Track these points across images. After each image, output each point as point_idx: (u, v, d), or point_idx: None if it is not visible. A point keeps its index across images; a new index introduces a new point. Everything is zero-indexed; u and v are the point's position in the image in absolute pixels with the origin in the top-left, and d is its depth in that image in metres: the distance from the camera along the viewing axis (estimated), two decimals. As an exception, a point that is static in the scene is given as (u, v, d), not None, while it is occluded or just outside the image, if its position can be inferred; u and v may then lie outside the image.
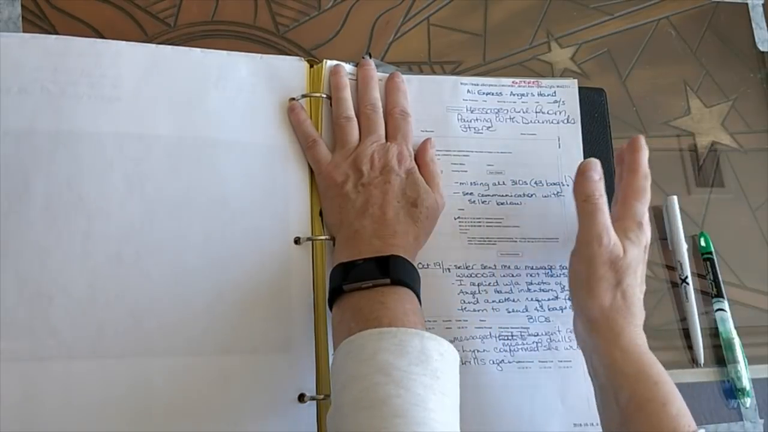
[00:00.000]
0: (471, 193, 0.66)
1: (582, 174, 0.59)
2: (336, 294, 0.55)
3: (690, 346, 0.69)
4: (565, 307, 0.65)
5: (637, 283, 0.58)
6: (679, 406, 0.53)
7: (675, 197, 0.71)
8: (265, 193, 0.61)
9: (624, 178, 0.61)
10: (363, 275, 0.54)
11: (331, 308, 0.56)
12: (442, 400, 0.48)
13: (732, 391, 0.68)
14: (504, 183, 0.67)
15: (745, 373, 0.68)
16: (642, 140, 0.61)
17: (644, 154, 0.61)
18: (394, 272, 0.54)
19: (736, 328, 0.69)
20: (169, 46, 0.63)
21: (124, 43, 0.62)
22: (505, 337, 0.63)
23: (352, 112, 0.64)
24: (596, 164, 0.59)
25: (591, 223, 0.57)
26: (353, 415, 0.46)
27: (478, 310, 0.63)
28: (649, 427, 0.52)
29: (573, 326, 0.60)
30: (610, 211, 0.59)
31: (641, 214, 0.59)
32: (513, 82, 0.70)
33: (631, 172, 0.60)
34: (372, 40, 0.71)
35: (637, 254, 0.58)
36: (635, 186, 0.60)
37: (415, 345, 0.49)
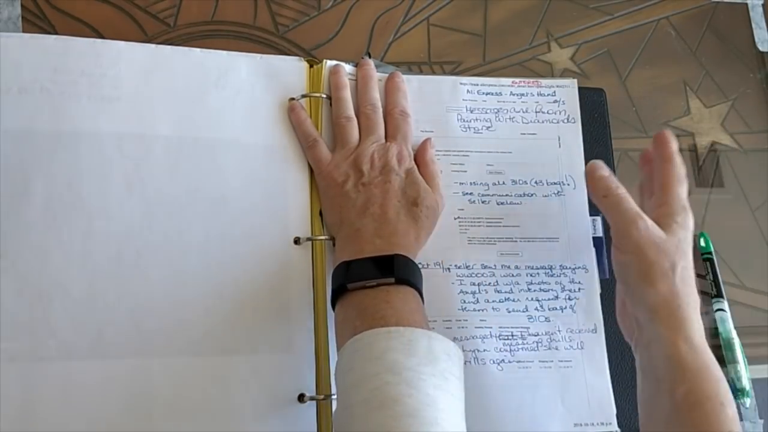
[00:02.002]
0: (471, 193, 0.66)
1: (591, 175, 0.59)
2: (339, 292, 0.55)
3: (690, 346, 0.69)
4: (565, 307, 0.65)
5: (690, 266, 0.57)
6: (735, 409, 0.53)
7: (675, 197, 0.71)
8: (265, 193, 0.61)
9: (659, 169, 0.60)
10: (367, 274, 0.54)
11: (333, 307, 0.56)
12: (451, 401, 0.48)
13: (732, 391, 0.68)
14: (504, 183, 0.67)
15: (745, 374, 0.68)
16: (669, 133, 0.61)
17: (675, 145, 0.60)
18: (399, 271, 0.54)
19: (735, 328, 0.69)
20: (169, 46, 0.63)
21: (124, 43, 0.61)
22: (506, 337, 0.63)
23: (352, 112, 0.64)
24: (600, 163, 0.59)
25: (621, 213, 0.57)
26: (364, 414, 0.46)
27: (478, 310, 0.63)
28: (706, 425, 0.51)
29: (621, 321, 0.60)
30: (643, 203, 0.58)
31: (684, 199, 0.59)
32: (513, 82, 0.70)
33: (665, 162, 0.60)
34: (372, 40, 0.71)
35: (684, 236, 0.57)
36: (673, 172, 0.59)
37: (423, 345, 0.49)
